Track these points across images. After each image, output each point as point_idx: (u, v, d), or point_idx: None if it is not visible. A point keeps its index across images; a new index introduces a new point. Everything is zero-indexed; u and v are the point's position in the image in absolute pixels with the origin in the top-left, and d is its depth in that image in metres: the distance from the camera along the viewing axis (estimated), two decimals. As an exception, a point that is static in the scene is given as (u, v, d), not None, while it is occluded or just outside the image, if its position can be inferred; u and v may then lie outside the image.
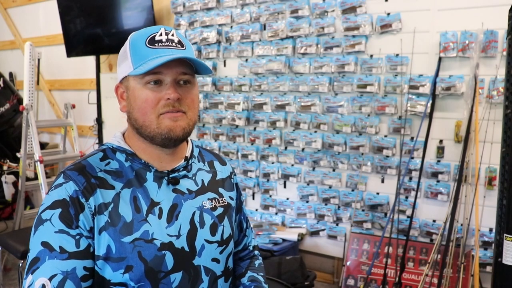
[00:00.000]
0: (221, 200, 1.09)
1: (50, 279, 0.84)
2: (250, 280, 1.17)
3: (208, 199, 1.05)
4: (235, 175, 1.21)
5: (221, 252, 1.05)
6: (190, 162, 1.06)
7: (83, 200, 0.90)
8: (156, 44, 0.93)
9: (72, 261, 0.86)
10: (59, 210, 0.89)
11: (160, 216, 0.95)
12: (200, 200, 1.03)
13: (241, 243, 1.24)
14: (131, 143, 1.01)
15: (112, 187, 0.94)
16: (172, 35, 0.95)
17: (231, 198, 1.13)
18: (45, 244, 0.86)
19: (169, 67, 0.92)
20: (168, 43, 0.94)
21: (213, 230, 1.03)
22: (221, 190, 1.11)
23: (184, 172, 1.03)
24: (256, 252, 1.29)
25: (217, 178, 1.12)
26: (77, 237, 0.88)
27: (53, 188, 0.93)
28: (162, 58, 0.89)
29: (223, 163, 1.18)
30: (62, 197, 0.90)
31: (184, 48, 0.96)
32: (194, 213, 1.01)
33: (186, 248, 0.97)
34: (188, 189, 1.02)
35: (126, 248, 0.90)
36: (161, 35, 0.94)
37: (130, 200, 0.94)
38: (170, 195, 0.99)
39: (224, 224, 1.06)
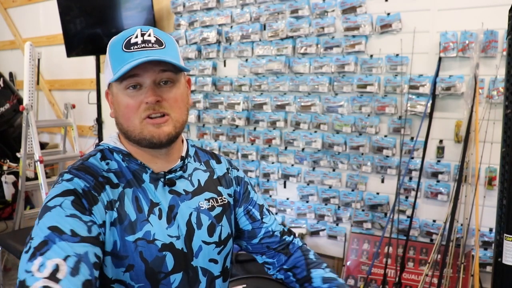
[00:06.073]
0: (219, 199, 1.07)
1: (65, 259, 0.76)
2: (326, 281, 1.08)
3: (205, 200, 1.04)
4: (233, 169, 1.18)
5: (219, 253, 1.04)
6: (186, 162, 1.04)
7: (95, 194, 0.89)
8: (132, 47, 0.90)
9: (85, 245, 0.80)
10: (72, 197, 0.86)
11: (160, 217, 0.95)
12: (196, 200, 1.02)
13: (260, 233, 1.16)
14: (126, 144, 1.01)
15: (117, 186, 0.94)
16: (149, 35, 0.92)
17: (229, 195, 1.11)
18: (53, 228, 0.80)
19: (145, 69, 0.89)
20: (144, 44, 0.90)
21: (211, 231, 1.02)
22: (220, 188, 1.09)
23: (180, 173, 1.02)
24: (291, 237, 1.20)
25: (214, 177, 1.11)
26: (90, 223, 0.85)
27: (60, 181, 0.89)
28: (132, 63, 0.87)
29: (218, 161, 1.17)
30: (73, 188, 0.87)
31: (163, 46, 0.92)
32: (191, 214, 1.00)
33: (185, 250, 0.97)
34: (184, 190, 1.01)
35: (129, 247, 0.90)
36: (136, 37, 0.91)
37: (132, 199, 0.94)
38: (167, 196, 0.98)
39: (222, 224, 1.05)
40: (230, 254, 1.10)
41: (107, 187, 0.92)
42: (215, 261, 1.03)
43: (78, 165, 0.95)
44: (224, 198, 1.08)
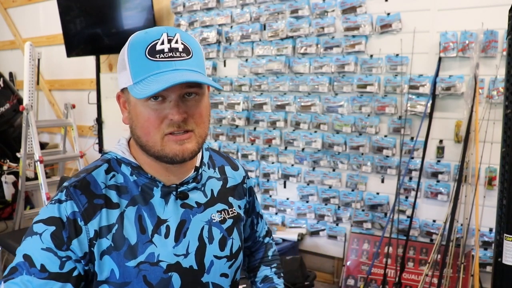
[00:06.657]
0: (230, 211, 1.03)
1: None
2: (262, 281, 1.15)
3: (217, 211, 0.99)
4: (248, 178, 1.13)
5: (230, 267, 1.00)
6: (200, 171, 0.98)
7: (81, 224, 0.84)
8: (157, 56, 0.81)
9: (50, 282, 0.81)
10: (53, 228, 0.83)
11: (167, 235, 0.90)
12: (209, 213, 0.97)
13: (251, 239, 1.21)
14: (136, 154, 0.93)
15: (117, 206, 0.88)
16: (176, 41, 0.82)
17: (239, 207, 1.07)
18: (27, 257, 0.82)
19: None
20: (171, 53, 0.81)
21: (222, 244, 0.98)
22: (231, 199, 1.04)
23: (193, 184, 0.96)
24: (267, 239, 1.24)
25: (228, 186, 1.05)
26: (64, 259, 0.83)
27: (52, 202, 0.87)
28: (163, 80, 0.79)
29: (235, 168, 1.10)
30: (59, 216, 0.84)
31: (190, 56, 0.83)
32: (202, 228, 0.95)
33: (195, 266, 0.93)
34: (196, 202, 0.96)
35: (131, 273, 0.86)
36: (163, 43, 0.82)
37: (135, 219, 0.89)
38: (178, 211, 0.93)
39: (233, 237, 1.01)
40: (240, 267, 1.06)
41: (103, 210, 0.86)
42: (226, 275, 0.99)
43: (79, 180, 0.89)
44: (234, 210, 1.04)
